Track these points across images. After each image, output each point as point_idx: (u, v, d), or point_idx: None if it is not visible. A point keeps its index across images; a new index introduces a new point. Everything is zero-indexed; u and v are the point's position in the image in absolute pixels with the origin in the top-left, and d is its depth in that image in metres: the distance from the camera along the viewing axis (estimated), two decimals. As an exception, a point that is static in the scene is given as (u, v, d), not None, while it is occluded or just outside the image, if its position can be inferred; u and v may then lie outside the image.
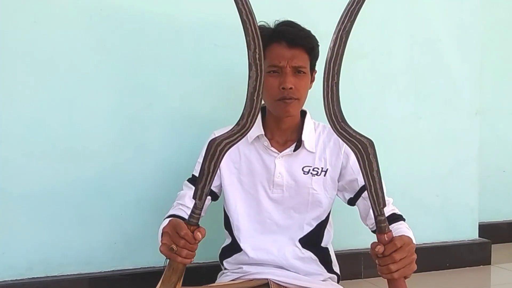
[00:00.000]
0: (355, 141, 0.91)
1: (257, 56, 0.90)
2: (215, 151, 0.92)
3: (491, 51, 2.46)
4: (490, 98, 2.49)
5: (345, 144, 1.27)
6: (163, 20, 1.63)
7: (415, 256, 0.94)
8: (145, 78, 1.63)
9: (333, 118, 0.90)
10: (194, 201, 0.92)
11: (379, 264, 0.92)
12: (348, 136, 0.91)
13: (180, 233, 0.92)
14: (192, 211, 0.92)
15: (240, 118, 0.92)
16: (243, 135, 0.93)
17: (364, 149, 0.91)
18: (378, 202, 0.90)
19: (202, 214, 0.95)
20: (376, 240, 0.92)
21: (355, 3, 0.88)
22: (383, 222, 0.90)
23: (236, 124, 0.93)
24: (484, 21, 2.20)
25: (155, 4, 1.63)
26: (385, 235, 0.90)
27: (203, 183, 0.92)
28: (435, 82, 2.07)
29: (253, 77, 0.91)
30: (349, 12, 0.88)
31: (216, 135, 1.30)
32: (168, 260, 0.95)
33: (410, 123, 2.03)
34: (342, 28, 0.88)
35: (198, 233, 0.92)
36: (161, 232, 1.11)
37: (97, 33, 1.57)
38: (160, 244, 0.97)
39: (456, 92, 2.11)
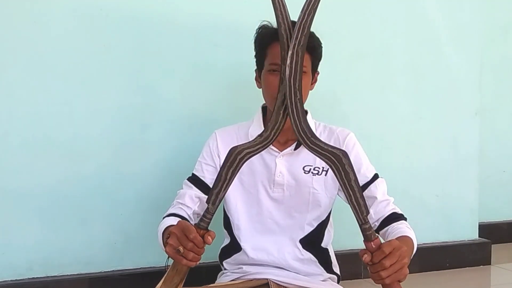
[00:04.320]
0: (328, 154, 0.91)
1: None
2: (235, 158, 0.92)
3: (491, 51, 2.46)
4: (490, 98, 2.48)
5: (345, 143, 1.29)
6: (163, 20, 1.63)
7: (406, 260, 0.93)
8: (145, 78, 1.63)
9: (302, 134, 0.91)
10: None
11: (370, 271, 0.92)
12: (320, 150, 0.91)
13: (189, 236, 0.91)
14: (204, 215, 0.92)
15: (264, 130, 0.93)
16: (265, 147, 0.93)
17: (338, 161, 0.90)
18: (360, 211, 0.90)
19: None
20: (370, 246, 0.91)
21: (305, 16, 0.88)
22: (368, 230, 0.89)
23: (259, 135, 0.93)
24: (484, 21, 2.19)
25: (155, 4, 1.63)
26: (372, 243, 0.89)
27: (219, 189, 0.92)
28: (435, 82, 2.07)
29: (283, 92, 0.91)
30: (301, 26, 0.89)
31: (217, 135, 1.32)
32: (170, 259, 0.95)
33: (410, 123, 2.03)
34: (297, 44, 0.89)
35: (209, 236, 0.92)
36: (162, 232, 1.11)
37: (97, 33, 1.57)
38: (166, 244, 0.96)
39: (456, 92, 2.11)
